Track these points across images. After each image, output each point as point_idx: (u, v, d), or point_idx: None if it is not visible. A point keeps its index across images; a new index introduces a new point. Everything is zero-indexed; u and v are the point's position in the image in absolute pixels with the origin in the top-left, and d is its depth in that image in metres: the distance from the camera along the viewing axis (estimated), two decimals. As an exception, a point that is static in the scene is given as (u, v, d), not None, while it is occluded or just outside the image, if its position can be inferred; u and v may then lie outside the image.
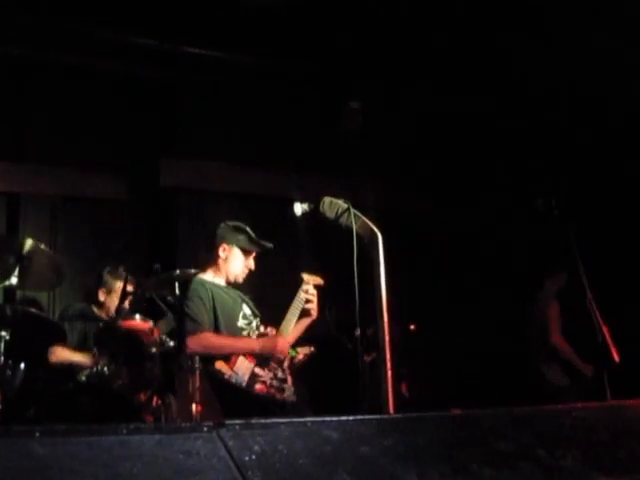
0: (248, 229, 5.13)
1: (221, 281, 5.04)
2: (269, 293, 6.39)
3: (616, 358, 5.58)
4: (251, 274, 5.31)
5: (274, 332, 4.86)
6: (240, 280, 5.11)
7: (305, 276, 5.06)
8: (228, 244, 5.02)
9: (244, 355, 4.58)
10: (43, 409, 4.87)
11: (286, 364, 4.71)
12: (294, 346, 4.96)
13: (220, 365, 4.54)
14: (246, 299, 5.14)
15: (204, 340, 4.62)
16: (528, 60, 7.32)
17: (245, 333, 4.82)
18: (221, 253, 5.01)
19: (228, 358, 4.55)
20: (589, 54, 6.93)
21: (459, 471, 2.12)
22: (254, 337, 4.83)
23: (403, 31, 7.16)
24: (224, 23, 6.98)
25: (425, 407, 6.79)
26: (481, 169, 8.66)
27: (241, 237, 5.05)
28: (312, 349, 4.98)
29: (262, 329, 4.94)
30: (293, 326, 4.91)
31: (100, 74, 7.55)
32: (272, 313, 5.27)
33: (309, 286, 4.98)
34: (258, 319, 5.02)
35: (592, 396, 6.72)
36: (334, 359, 5.34)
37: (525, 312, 7.52)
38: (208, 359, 4.65)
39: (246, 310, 4.97)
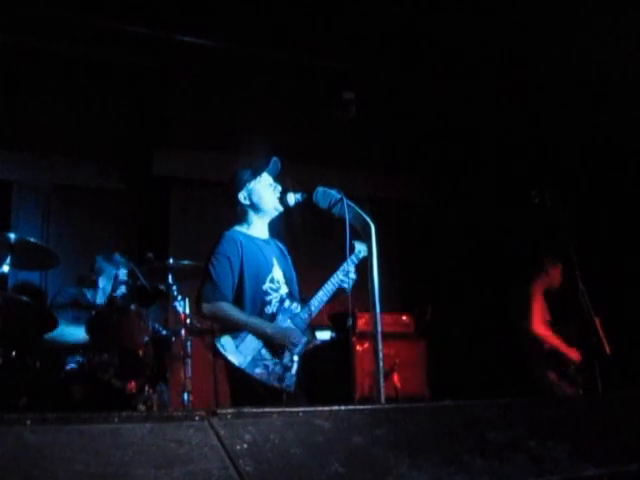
0: (249, 169, 4.89)
1: (257, 230, 4.80)
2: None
3: (607, 350, 5.60)
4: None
5: (298, 308, 4.68)
6: (279, 208, 4.82)
7: (358, 245, 4.64)
8: (240, 190, 4.76)
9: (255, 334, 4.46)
10: (35, 398, 4.87)
11: (298, 349, 4.56)
12: (313, 329, 4.76)
13: (225, 340, 4.43)
14: (285, 255, 4.88)
15: (219, 310, 4.45)
16: (523, 49, 7.32)
17: (268, 299, 4.62)
18: (243, 200, 4.69)
19: (236, 333, 4.42)
20: (586, 43, 6.94)
21: (450, 461, 2.12)
22: (275, 309, 4.61)
23: (397, 20, 7.14)
24: (217, 11, 6.96)
25: (416, 398, 6.83)
26: (476, 160, 8.66)
27: (245, 175, 4.81)
28: (334, 337, 4.81)
29: (286, 303, 4.69)
30: (326, 300, 4.70)
31: (93, 62, 7.53)
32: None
33: (355, 259, 4.63)
34: (287, 288, 4.75)
35: (581, 387, 6.76)
36: (326, 348, 5.32)
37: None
38: (213, 333, 4.55)
39: (277, 273, 4.70)
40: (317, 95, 8.19)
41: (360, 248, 4.61)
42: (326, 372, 5.85)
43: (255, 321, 4.48)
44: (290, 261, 4.90)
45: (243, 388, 4.34)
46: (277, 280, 4.64)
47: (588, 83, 7.41)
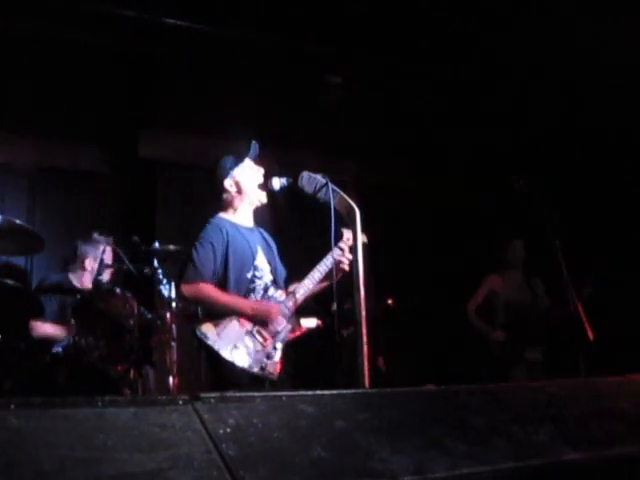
0: (232, 156, 4.90)
1: (241, 218, 4.82)
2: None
3: (590, 335, 5.63)
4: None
5: (282, 296, 4.68)
6: (264, 198, 4.83)
7: (346, 232, 4.62)
8: (226, 177, 4.78)
9: (238, 320, 4.46)
10: (20, 381, 4.86)
11: (282, 336, 4.56)
12: (300, 315, 4.77)
13: (207, 328, 4.41)
14: (269, 244, 4.86)
15: (200, 290, 4.46)
16: (507, 33, 7.32)
17: (252, 286, 4.63)
18: (229, 187, 4.71)
19: (218, 321, 4.43)
20: (567, 33, 6.95)
21: (432, 445, 2.14)
22: (259, 296, 4.62)
23: (383, 2, 7.13)
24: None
25: (401, 382, 6.86)
26: (460, 145, 8.68)
27: (229, 162, 4.82)
28: (319, 324, 4.80)
29: (271, 291, 4.69)
30: (312, 287, 4.66)
31: (80, 45, 7.48)
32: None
33: (344, 245, 4.64)
34: (272, 276, 4.74)
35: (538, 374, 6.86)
36: (311, 333, 5.32)
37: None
38: (198, 318, 4.56)
39: (261, 261, 4.68)
40: (303, 79, 8.17)
41: (348, 235, 4.57)
42: (311, 357, 5.87)
43: (236, 301, 4.50)
44: (275, 250, 4.92)
45: (225, 375, 4.35)
46: (261, 268, 4.66)
47: (571, 68, 7.43)
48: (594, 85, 7.39)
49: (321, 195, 4.18)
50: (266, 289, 4.64)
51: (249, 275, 4.60)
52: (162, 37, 7.52)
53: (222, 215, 4.74)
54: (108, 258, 5.99)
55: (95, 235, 6.04)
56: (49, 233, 6.56)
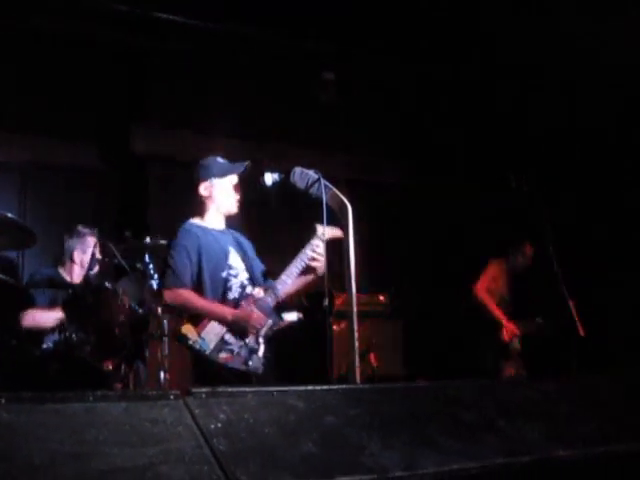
0: (219, 158, 4.93)
1: (212, 222, 4.85)
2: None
3: (582, 332, 5.65)
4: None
5: (261, 293, 4.70)
6: (234, 209, 4.85)
7: (319, 228, 4.61)
8: (205, 180, 4.81)
9: (217, 320, 4.49)
10: (10, 376, 4.85)
11: (264, 331, 4.58)
12: (281, 310, 4.80)
13: (187, 329, 4.45)
14: (241, 244, 4.88)
15: (180, 296, 4.52)
16: (505, 32, 7.32)
17: (229, 285, 4.66)
18: (203, 191, 4.73)
19: (198, 321, 4.47)
20: (566, 32, 6.96)
21: (423, 441, 2.14)
22: (237, 294, 4.65)
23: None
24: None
25: (392, 378, 6.87)
26: (453, 142, 8.68)
27: (215, 168, 4.84)
28: (300, 317, 4.83)
29: (249, 289, 4.72)
30: (287, 287, 4.72)
31: (72, 40, 7.46)
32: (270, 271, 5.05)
33: (318, 243, 4.64)
34: (247, 274, 4.78)
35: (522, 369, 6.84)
36: (302, 328, 5.33)
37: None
38: (177, 321, 4.59)
39: (235, 261, 4.72)
40: (297, 75, 8.17)
41: (322, 230, 4.56)
42: (302, 352, 5.87)
43: (215, 307, 4.53)
44: (249, 249, 4.95)
45: (210, 374, 4.37)
46: (235, 267, 4.70)
47: (569, 68, 7.44)
48: (593, 84, 7.40)
49: (313, 191, 4.19)
50: (243, 287, 4.68)
51: (224, 274, 4.65)
52: (156, 32, 7.51)
53: (192, 220, 4.82)
54: (99, 254, 5.98)
55: (80, 227, 6.02)
56: (41, 228, 6.55)
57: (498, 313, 7.04)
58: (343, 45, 7.82)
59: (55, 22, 7.24)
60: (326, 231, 4.51)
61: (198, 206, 4.82)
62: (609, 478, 2.34)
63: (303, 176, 4.23)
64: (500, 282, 7.31)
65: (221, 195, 4.79)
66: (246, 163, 4.84)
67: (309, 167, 4.30)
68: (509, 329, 6.98)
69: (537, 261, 6.97)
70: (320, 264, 4.67)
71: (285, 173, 4.34)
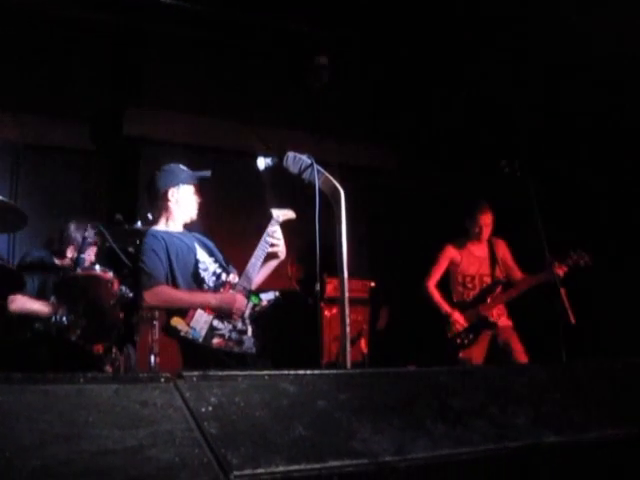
0: (181, 165, 5.03)
1: (175, 227, 4.92)
2: (236, 239, 6.35)
3: (572, 319, 5.67)
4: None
5: (236, 279, 4.76)
6: (195, 217, 4.99)
7: (274, 212, 4.83)
8: (173, 186, 4.88)
9: (202, 308, 4.53)
10: (1, 358, 4.85)
11: (247, 313, 4.64)
12: (257, 293, 4.85)
13: (176, 321, 4.49)
14: (204, 242, 4.97)
15: (160, 294, 4.56)
16: (497, 16, 7.31)
17: (201, 277, 4.72)
18: (171, 197, 4.84)
19: (185, 313, 4.49)
20: (556, 18, 6.95)
21: (413, 426, 2.15)
22: (212, 284, 4.72)
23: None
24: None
25: (382, 363, 6.89)
26: (446, 128, 8.68)
27: (182, 175, 4.93)
28: (277, 294, 4.88)
29: (224, 277, 4.80)
30: (258, 269, 4.78)
31: (66, 21, 7.43)
32: (240, 256, 5.12)
33: (275, 228, 4.79)
34: (217, 264, 4.88)
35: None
36: (294, 313, 5.35)
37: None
38: (165, 315, 4.63)
39: (202, 256, 4.80)
40: (290, 60, 8.15)
41: (278, 213, 4.84)
42: (294, 337, 5.89)
43: (197, 296, 4.59)
44: (212, 244, 5.07)
45: (206, 361, 4.40)
46: (203, 261, 4.81)
47: (561, 52, 7.43)
48: (587, 68, 7.39)
49: (306, 176, 4.20)
50: (217, 276, 4.77)
51: (194, 270, 4.72)
52: (149, 13, 7.47)
53: (155, 227, 4.92)
54: (91, 236, 5.96)
55: (89, 226, 6.00)
56: (32, 210, 6.53)
57: (443, 305, 6.80)
58: (336, 29, 7.78)
59: (51, 3, 7.20)
60: (281, 214, 4.79)
61: (162, 212, 4.90)
62: (599, 464, 2.35)
63: (296, 161, 4.23)
64: (466, 262, 6.97)
65: (187, 204, 4.91)
66: (208, 172, 4.97)
67: (302, 151, 4.29)
68: (455, 319, 6.72)
69: (528, 247, 6.91)
70: (280, 248, 4.87)
71: (278, 157, 4.35)
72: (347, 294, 3.81)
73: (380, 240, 8.58)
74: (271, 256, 4.86)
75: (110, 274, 5.51)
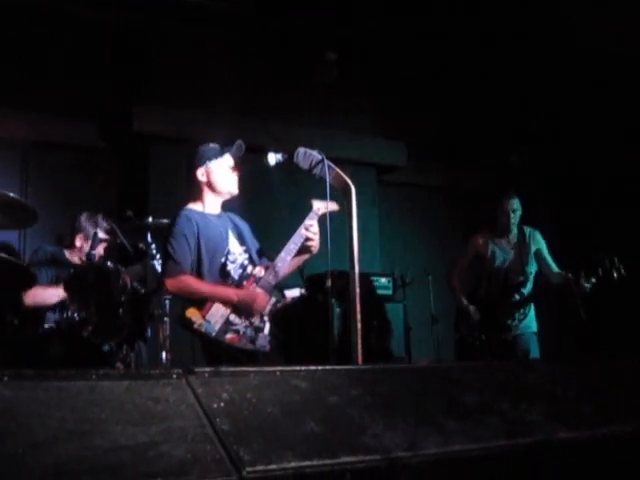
0: (211, 144, 4.91)
1: (212, 207, 4.83)
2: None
3: (584, 316, 5.65)
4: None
5: (262, 272, 4.69)
6: (235, 190, 4.83)
7: (315, 203, 4.60)
8: (201, 165, 4.79)
9: (222, 302, 4.47)
10: (12, 355, 4.86)
11: (267, 309, 4.57)
12: (281, 289, 4.78)
13: (191, 313, 4.44)
14: (239, 227, 4.88)
15: (182, 283, 4.51)
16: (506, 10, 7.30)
17: (227, 270, 4.65)
18: (201, 177, 4.74)
19: (202, 304, 4.46)
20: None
21: (425, 422, 2.14)
22: (236, 276, 4.64)
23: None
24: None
25: (393, 359, 6.88)
26: (455, 123, 8.66)
27: (209, 152, 4.82)
28: (302, 292, 4.80)
29: (249, 269, 4.72)
30: (290, 260, 4.65)
31: (74, 17, 7.44)
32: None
33: (313, 222, 4.61)
34: (247, 255, 4.79)
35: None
36: (305, 310, 5.33)
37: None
38: (181, 305, 4.59)
39: (234, 245, 4.70)
40: (300, 55, 8.14)
41: (318, 205, 4.61)
42: (304, 333, 5.88)
43: (220, 290, 4.53)
44: (247, 230, 4.93)
45: (218, 356, 4.37)
46: (233, 252, 4.70)
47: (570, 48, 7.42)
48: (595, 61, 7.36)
49: (317, 171, 4.19)
50: (243, 267, 4.66)
51: (222, 260, 4.63)
52: (158, 10, 7.47)
53: (190, 206, 4.80)
54: (102, 232, 5.97)
55: (99, 217, 6.00)
56: (42, 207, 6.54)
57: (460, 298, 6.62)
58: (345, 24, 7.78)
59: (58, 0, 7.21)
60: (322, 206, 4.56)
61: (196, 192, 4.81)
62: (611, 459, 2.35)
63: (307, 156, 4.23)
64: (492, 255, 6.68)
65: (218, 178, 4.77)
66: (237, 142, 4.82)
67: (313, 147, 4.29)
68: (471, 314, 6.50)
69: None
70: (314, 243, 4.68)
71: (288, 153, 4.33)
72: (358, 289, 3.81)
73: (391, 235, 8.57)
74: (303, 250, 4.69)
75: (121, 270, 5.51)
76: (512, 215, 6.58)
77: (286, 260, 4.62)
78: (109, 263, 5.47)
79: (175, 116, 7.88)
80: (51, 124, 7.58)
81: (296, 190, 6.84)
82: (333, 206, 4.64)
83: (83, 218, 6.07)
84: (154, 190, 7.71)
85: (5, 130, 7.28)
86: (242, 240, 4.82)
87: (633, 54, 7.00)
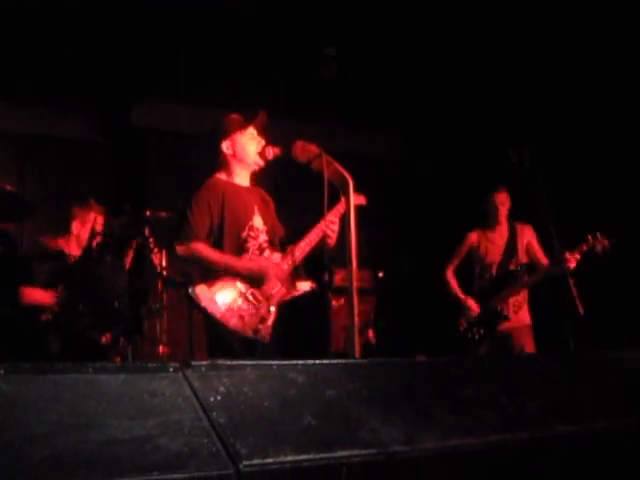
0: (232, 115, 4.85)
1: (240, 179, 4.74)
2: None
3: (581, 310, 5.64)
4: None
5: (278, 259, 4.63)
6: (261, 162, 4.71)
7: (344, 198, 4.41)
8: (223, 138, 4.74)
9: (233, 282, 4.42)
10: (9, 348, 4.86)
11: (276, 299, 4.53)
12: (294, 280, 4.72)
13: (201, 289, 4.38)
14: (266, 204, 4.83)
15: (193, 250, 4.42)
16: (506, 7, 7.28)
17: (247, 246, 4.59)
18: (226, 149, 4.66)
19: (212, 282, 4.40)
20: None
21: (423, 417, 2.14)
22: (254, 255, 4.58)
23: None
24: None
25: (391, 353, 6.88)
26: (452, 118, 8.66)
27: (228, 124, 4.77)
28: (313, 287, 4.76)
29: (266, 253, 4.66)
30: (309, 250, 4.60)
31: (73, 12, 7.40)
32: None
33: (335, 218, 4.54)
34: (267, 237, 4.69)
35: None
36: (302, 303, 5.32)
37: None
38: (192, 280, 4.52)
39: (257, 220, 4.63)
40: (299, 50, 8.12)
41: (345, 200, 4.46)
42: (302, 327, 5.88)
43: (229, 259, 4.47)
44: (273, 210, 4.89)
45: (216, 337, 4.35)
46: (256, 228, 4.61)
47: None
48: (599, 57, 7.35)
49: (314, 165, 4.17)
50: (261, 250, 4.60)
51: (244, 235, 4.55)
52: (157, 3, 7.44)
53: (219, 175, 4.72)
54: (99, 227, 5.97)
55: (91, 201, 6.00)
56: (39, 200, 6.54)
57: (457, 292, 6.67)
58: (344, 20, 7.76)
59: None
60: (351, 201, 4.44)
61: (221, 164, 4.75)
62: (608, 454, 2.35)
63: (304, 150, 4.21)
64: (484, 249, 6.75)
65: (243, 150, 4.71)
66: (262, 111, 4.78)
67: (310, 141, 4.27)
68: (468, 306, 6.53)
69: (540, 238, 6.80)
70: (332, 241, 4.61)
71: (287, 147, 4.32)
72: (355, 284, 3.79)
73: (389, 229, 8.57)
74: (320, 243, 4.63)
75: (118, 263, 5.51)
76: (501, 209, 6.68)
77: (305, 251, 4.60)
78: (107, 256, 5.47)
79: (173, 111, 7.88)
80: (50, 117, 7.58)
81: (293, 184, 6.83)
82: (359, 200, 4.60)
83: (77, 204, 6.07)
84: (152, 184, 7.71)
85: (3, 124, 7.28)
86: (267, 218, 4.75)
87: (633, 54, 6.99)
